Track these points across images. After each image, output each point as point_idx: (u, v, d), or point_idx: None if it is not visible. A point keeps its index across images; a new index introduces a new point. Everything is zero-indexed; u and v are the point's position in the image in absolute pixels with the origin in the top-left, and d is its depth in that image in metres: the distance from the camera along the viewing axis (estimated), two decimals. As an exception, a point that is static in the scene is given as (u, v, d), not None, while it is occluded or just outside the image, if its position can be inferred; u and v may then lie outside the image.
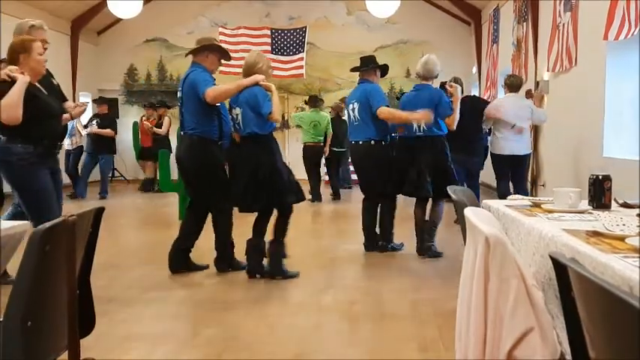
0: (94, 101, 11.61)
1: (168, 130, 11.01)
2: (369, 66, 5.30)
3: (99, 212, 1.92)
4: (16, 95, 3.53)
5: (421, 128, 5.05)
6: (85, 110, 4.58)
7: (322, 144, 9.29)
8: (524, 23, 8.90)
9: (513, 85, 6.67)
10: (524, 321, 1.53)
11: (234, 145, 4.45)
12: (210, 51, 4.48)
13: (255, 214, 4.50)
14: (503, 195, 6.19)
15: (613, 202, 2.46)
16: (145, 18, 11.91)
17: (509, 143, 6.46)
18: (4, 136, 3.73)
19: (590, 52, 6.28)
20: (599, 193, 2.42)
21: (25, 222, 2.11)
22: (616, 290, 0.89)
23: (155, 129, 10.97)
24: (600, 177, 2.43)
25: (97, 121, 10.27)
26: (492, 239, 1.57)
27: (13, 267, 1.64)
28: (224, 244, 4.55)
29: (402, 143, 5.29)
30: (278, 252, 4.42)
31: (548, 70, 7.70)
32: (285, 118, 13.71)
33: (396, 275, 4.60)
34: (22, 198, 3.84)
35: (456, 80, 6.46)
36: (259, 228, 4.46)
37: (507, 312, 1.54)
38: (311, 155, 9.25)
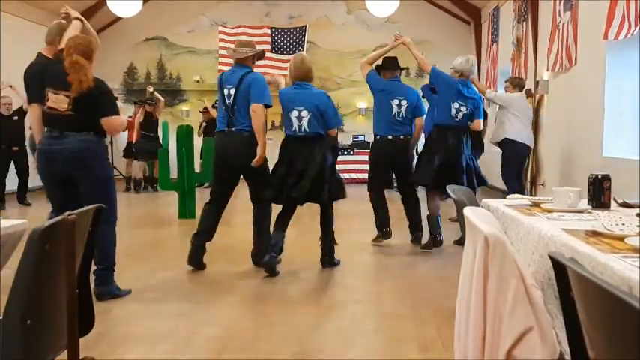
0: None
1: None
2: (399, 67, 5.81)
3: (98, 211, 1.92)
4: None
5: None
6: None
7: None
8: (524, 23, 8.90)
9: (516, 84, 7.10)
10: (523, 320, 1.53)
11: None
12: (259, 58, 4.91)
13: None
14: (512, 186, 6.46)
15: (612, 201, 2.46)
16: (144, 17, 11.90)
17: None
18: None
19: (589, 52, 6.28)
20: (599, 192, 2.42)
21: (24, 221, 2.11)
22: (615, 290, 0.89)
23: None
24: (599, 177, 2.43)
25: None
26: (492, 239, 1.57)
27: (12, 265, 1.64)
28: (265, 238, 4.64)
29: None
30: (331, 243, 4.81)
31: (547, 70, 7.70)
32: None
33: (395, 275, 4.60)
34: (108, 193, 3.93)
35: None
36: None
37: (506, 311, 1.54)
38: None
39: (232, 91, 4.56)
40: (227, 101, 4.60)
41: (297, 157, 4.58)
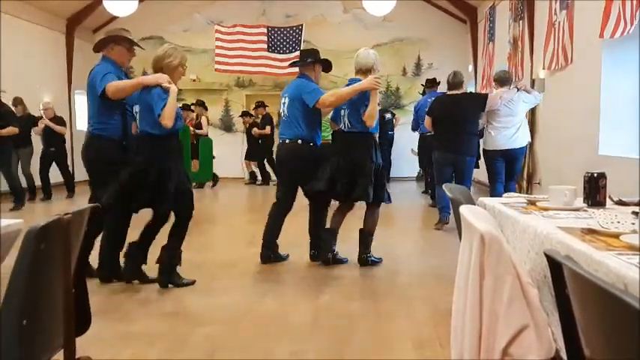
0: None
1: (207, 130, 11.61)
2: (306, 60, 4.91)
3: (94, 211, 1.91)
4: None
5: (345, 124, 4.73)
6: None
7: None
8: (521, 21, 8.91)
9: (502, 79, 6.59)
10: (519, 318, 1.54)
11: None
12: (115, 42, 4.27)
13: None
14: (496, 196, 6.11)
15: (608, 199, 2.47)
16: (140, 16, 11.86)
17: (503, 137, 6.33)
18: None
19: (586, 50, 6.29)
20: (594, 190, 2.43)
21: (20, 220, 2.11)
22: (610, 288, 0.89)
23: (197, 130, 11.28)
24: (595, 174, 2.44)
25: None
26: (488, 237, 1.57)
27: (8, 265, 1.64)
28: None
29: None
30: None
31: (544, 68, 7.72)
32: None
33: (391, 274, 4.60)
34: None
35: (456, 74, 6.46)
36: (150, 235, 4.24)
37: (502, 309, 1.55)
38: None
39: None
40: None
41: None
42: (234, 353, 2.95)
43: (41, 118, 9.67)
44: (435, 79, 9.19)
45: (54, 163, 9.79)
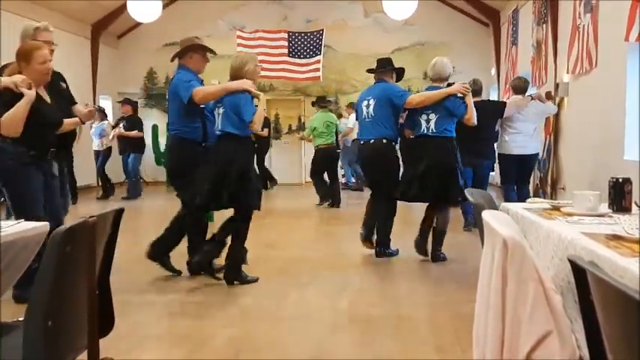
0: (118, 102, 11.81)
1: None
2: (386, 67, 5.34)
3: (118, 214, 1.94)
4: (20, 113, 3.52)
5: (430, 129, 5.02)
6: (94, 114, 4.55)
7: (335, 145, 9.23)
8: (544, 25, 8.82)
9: (518, 87, 6.71)
10: (542, 324, 1.52)
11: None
12: (193, 51, 4.54)
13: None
14: (509, 198, 6.24)
15: (633, 205, 2.43)
16: (164, 22, 12.02)
17: (518, 143, 6.48)
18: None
19: (610, 54, 6.20)
20: (620, 196, 2.39)
21: (45, 223, 2.14)
22: (635, 294, 0.88)
23: None
24: (620, 180, 2.40)
25: (123, 124, 10.57)
26: (510, 242, 1.56)
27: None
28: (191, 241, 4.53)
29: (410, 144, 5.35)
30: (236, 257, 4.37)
31: (568, 72, 7.62)
32: (302, 120, 13.73)
33: (412, 279, 4.58)
34: (8, 195, 3.76)
35: (475, 82, 6.56)
36: (222, 229, 4.40)
37: (525, 315, 1.53)
38: (324, 157, 9.13)
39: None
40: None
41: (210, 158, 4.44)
42: (255, 355, 2.96)
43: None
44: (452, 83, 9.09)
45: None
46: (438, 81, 5.13)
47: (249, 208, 4.30)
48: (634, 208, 2.42)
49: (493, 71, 12.54)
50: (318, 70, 12.53)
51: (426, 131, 5.01)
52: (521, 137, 6.45)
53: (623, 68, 5.84)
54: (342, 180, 10.70)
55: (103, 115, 10.83)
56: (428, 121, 5.01)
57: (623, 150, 5.81)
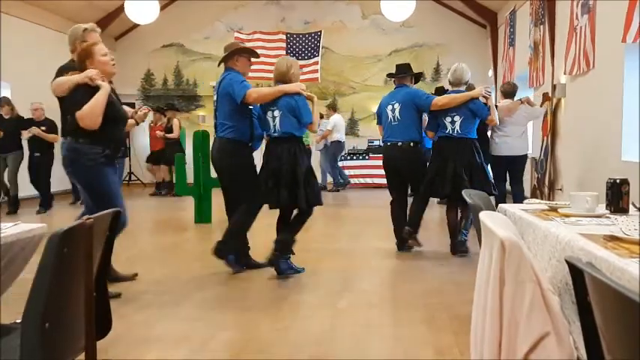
0: None
1: (178, 134, 11.27)
2: (406, 73, 5.64)
3: (116, 215, 1.94)
4: (100, 103, 3.69)
5: (455, 130, 5.34)
6: (147, 115, 4.67)
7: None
8: (541, 26, 8.84)
9: (507, 92, 6.95)
10: (539, 326, 1.52)
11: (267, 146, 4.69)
12: (239, 54, 4.67)
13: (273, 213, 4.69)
14: (502, 197, 6.45)
15: (631, 206, 2.44)
16: (161, 24, 12.04)
17: (507, 144, 6.64)
18: (74, 137, 3.80)
19: (608, 55, 6.22)
20: (617, 197, 2.40)
21: (43, 224, 2.14)
22: (633, 295, 0.88)
23: (167, 135, 11.13)
24: (618, 181, 2.41)
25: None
26: (508, 243, 1.56)
27: (30, 269, 1.66)
28: (233, 235, 4.62)
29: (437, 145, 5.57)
30: (285, 242, 4.59)
31: (565, 73, 7.64)
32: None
33: (411, 280, 4.58)
34: (91, 197, 3.94)
35: (469, 86, 6.68)
36: (284, 225, 4.64)
37: (523, 317, 1.53)
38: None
39: (215, 97, 4.77)
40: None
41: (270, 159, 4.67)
42: (254, 357, 2.96)
43: (32, 119, 8.75)
44: (442, 87, 9.19)
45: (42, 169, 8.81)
46: (458, 85, 5.49)
47: (315, 205, 4.55)
48: (631, 209, 2.43)
49: (490, 72, 12.56)
50: (316, 71, 12.53)
51: (451, 132, 5.33)
52: (511, 139, 6.63)
53: (621, 69, 5.85)
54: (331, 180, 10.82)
55: None
56: (453, 122, 5.32)
57: (621, 151, 5.82)
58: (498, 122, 5.61)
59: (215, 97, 4.67)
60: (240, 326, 3.44)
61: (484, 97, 5.34)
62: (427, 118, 5.64)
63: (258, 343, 3.18)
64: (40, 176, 8.79)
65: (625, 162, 5.64)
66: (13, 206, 8.65)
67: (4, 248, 1.85)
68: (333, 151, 11.89)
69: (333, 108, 12.75)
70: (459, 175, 5.18)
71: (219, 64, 4.79)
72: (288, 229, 4.59)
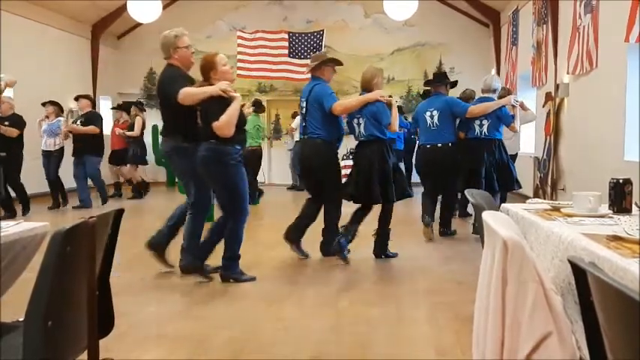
0: (112, 109, 11.67)
1: (141, 132, 10.50)
2: (443, 81, 6.26)
3: (118, 214, 1.94)
4: (235, 114, 4.16)
5: (482, 132, 6.08)
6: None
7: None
8: (544, 25, 8.82)
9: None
10: (542, 325, 1.52)
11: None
12: (324, 65, 5.24)
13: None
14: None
15: (634, 206, 2.43)
16: (164, 22, 11.96)
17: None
18: (216, 139, 4.16)
19: (610, 54, 6.21)
20: (620, 196, 2.39)
21: (46, 223, 2.15)
22: (636, 295, 0.88)
23: (127, 132, 10.38)
24: (621, 181, 2.40)
25: (80, 120, 9.16)
26: (510, 243, 1.56)
27: (33, 267, 1.66)
28: (331, 230, 5.08)
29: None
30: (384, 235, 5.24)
31: (568, 73, 7.62)
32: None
33: (413, 279, 4.58)
34: (227, 193, 4.27)
35: (465, 91, 7.31)
36: (360, 217, 5.17)
37: (525, 316, 1.53)
38: (252, 157, 9.13)
39: (302, 103, 5.25)
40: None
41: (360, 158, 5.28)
42: (255, 357, 2.96)
43: None
44: (429, 90, 9.12)
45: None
46: (488, 92, 6.20)
47: (400, 197, 5.13)
48: (634, 208, 2.42)
49: (493, 72, 12.52)
50: (318, 70, 12.51)
51: (479, 135, 6.11)
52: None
53: (624, 69, 5.84)
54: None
55: (58, 110, 9.28)
56: (481, 125, 6.08)
57: (623, 150, 5.81)
58: (518, 129, 6.42)
59: (304, 104, 5.17)
60: (241, 325, 3.44)
61: (512, 105, 6.10)
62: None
63: (258, 342, 3.18)
64: (7, 178, 7.95)
65: (627, 162, 5.63)
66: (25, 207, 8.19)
67: (6, 247, 1.85)
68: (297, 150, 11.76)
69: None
70: (489, 172, 5.98)
71: (308, 72, 5.42)
72: (381, 223, 5.19)
